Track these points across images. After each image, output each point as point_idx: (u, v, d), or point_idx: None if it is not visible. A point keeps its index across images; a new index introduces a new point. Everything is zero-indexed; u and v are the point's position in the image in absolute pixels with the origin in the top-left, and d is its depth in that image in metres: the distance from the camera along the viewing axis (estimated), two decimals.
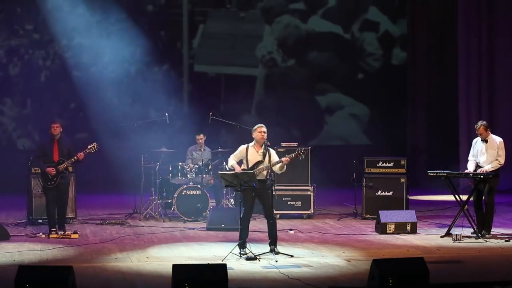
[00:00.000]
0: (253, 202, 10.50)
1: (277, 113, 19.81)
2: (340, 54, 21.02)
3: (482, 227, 11.77)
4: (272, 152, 10.61)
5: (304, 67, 20.97)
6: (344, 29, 21.07)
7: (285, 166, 10.52)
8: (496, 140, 11.84)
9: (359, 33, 21.10)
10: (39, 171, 12.54)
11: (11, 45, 19.44)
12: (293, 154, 10.52)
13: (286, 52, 20.95)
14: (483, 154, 11.83)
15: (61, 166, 12.16)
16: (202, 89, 20.36)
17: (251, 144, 10.63)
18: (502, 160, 11.77)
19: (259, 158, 10.49)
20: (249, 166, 10.47)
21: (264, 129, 10.55)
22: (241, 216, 10.45)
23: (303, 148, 10.72)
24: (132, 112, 18.22)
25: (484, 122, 11.93)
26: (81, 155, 12.17)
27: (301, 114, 20.48)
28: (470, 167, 11.89)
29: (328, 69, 21.02)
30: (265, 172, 10.45)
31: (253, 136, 10.64)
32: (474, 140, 12.05)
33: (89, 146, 12.33)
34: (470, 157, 12.05)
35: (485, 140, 11.82)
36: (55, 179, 12.18)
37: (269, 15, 20.90)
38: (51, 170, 12.11)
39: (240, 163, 10.61)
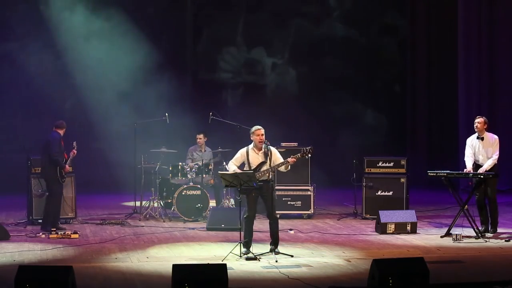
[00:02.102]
0: (255, 202, 10.48)
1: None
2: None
3: (489, 225, 11.84)
4: (274, 150, 10.57)
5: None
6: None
7: (289, 165, 10.53)
8: (492, 137, 11.95)
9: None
10: (55, 166, 12.69)
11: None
12: (298, 154, 10.48)
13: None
14: (480, 153, 11.89)
15: (68, 164, 12.91)
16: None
17: (250, 146, 10.57)
18: (496, 156, 11.91)
19: (261, 159, 10.46)
20: (252, 168, 10.43)
21: (262, 131, 10.48)
22: (244, 216, 10.45)
23: (308, 148, 10.64)
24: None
25: (485, 117, 12.04)
26: (75, 152, 12.96)
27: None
28: (469, 164, 11.92)
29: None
30: (268, 173, 10.44)
31: (251, 138, 10.58)
32: (469, 140, 12.11)
33: (74, 144, 12.98)
34: (467, 154, 12.05)
35: (481, 138, 11.88)
36: (65, 176, 12.87)
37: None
38: (68, 168, 12.83)
39: (242, 167, 10.58)
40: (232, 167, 10.57)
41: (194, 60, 20.27)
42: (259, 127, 10.54)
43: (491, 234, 11.83)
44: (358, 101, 21.13)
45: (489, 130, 12.15)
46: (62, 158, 12.79)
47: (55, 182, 12.73)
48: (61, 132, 12.81)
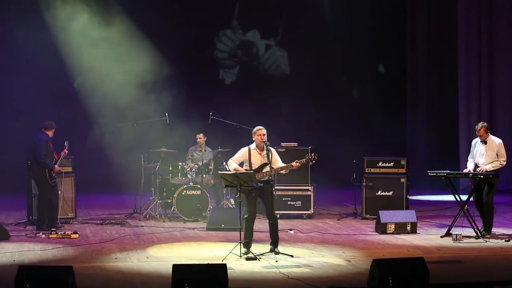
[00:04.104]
0: (255, 202, 10.46)
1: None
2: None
3: (483, 226, 11.81)
4: (274, 152, 10.56)
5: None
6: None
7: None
8: (496, 141, 11.85)
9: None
10: (44, 168, 12.65)
11: None
12: (303, 160, 10.47)
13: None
14: (482, 156, 11.84)
15: (58, 164, 12.80)
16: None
17: (252, 146, 10.55)
18: (503, 161, 11.78)
19: (264, 160, 10.42)
20: (254, 169, 10.40)
21: (264, 131, 10.46)
22: (245, 216, 10.44)
23: (314, 155, 10.63)
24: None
25: (485, 124, 11.94)
26: (66, 151, 12.83)
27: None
28: (470, 166, 11.91)
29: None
30: (268, 174, 10.42)
31: (253, 139, 10.56)
32: (473, 141, 12.07)
33: (65, 144, 12.84)
34: (469, 158, 12.08)
35: (484, 142, 11.83)
36: (56, 177, 12.76)
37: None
38: (58, 169, 12.71)
39: (241, 165, 10.56)
40: (232, 164, 10.55)
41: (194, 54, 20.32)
42: (261, 127, 10.52)
43: (488, 236, 11.75)
44: (356, 100, 21.15)
45: (491, 132, 12.09)
46: (51, 159, 12.66)
47: (44, 184, 12.68)
48: (50, 133, 12.68)
